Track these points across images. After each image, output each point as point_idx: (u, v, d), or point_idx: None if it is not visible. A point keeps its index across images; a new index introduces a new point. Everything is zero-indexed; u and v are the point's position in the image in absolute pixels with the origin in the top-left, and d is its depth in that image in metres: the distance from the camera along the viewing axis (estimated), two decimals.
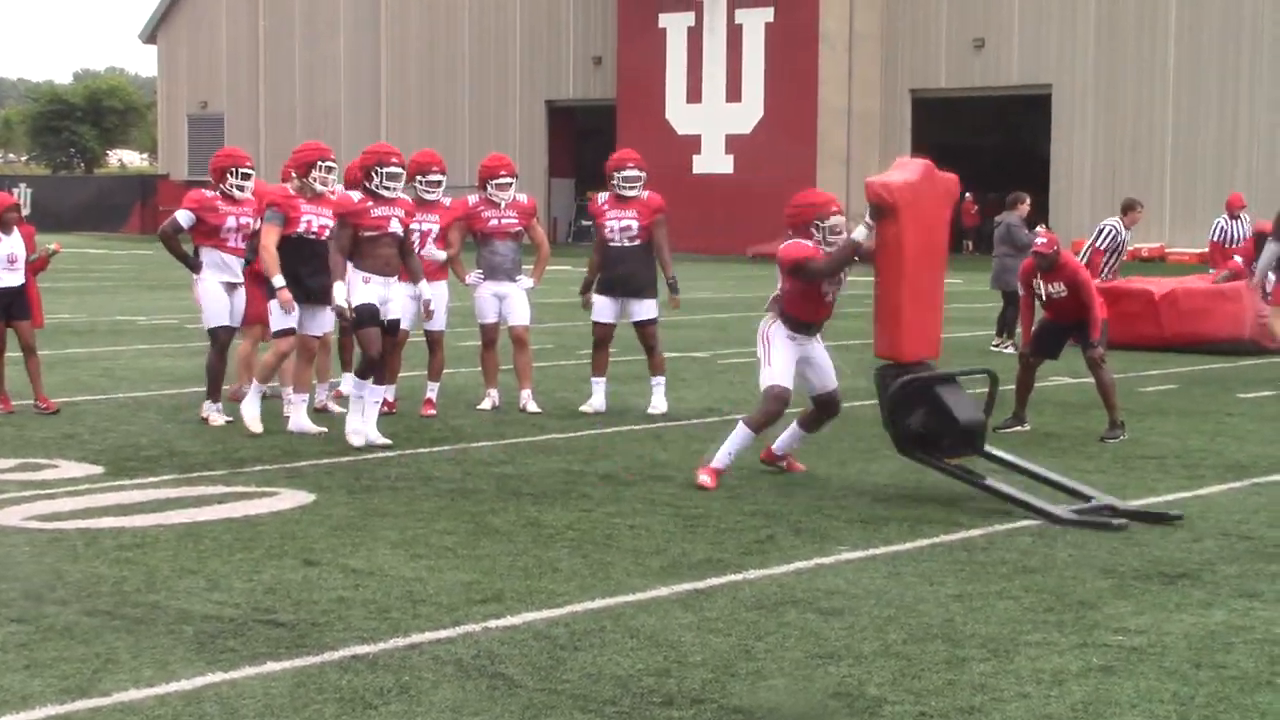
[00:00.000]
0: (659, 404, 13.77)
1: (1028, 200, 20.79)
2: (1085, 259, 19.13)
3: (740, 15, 53.49)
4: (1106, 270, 19.46)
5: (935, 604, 7.39)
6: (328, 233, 12.42)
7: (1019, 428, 12.99)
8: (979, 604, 7.39)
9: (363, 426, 11.81)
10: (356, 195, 12.05)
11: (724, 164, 54.10)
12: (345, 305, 11.90)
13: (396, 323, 12.40)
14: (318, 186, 12.49)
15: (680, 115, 54.93)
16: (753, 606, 7.33)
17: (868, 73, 53.35)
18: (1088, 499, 9.62)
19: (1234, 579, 7.93)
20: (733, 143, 53.97)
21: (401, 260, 12.18)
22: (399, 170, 12.15)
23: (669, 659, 6.48)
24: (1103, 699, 6.01)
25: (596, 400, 13.86)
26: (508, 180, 13.90)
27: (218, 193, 12.94)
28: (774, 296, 10.65)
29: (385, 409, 13.43)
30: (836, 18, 52.63)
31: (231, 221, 12.89)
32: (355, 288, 11.91)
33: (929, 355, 10.28)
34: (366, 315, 11.88)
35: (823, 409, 10.88)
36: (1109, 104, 49.58)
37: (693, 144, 54.45)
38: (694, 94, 54.77)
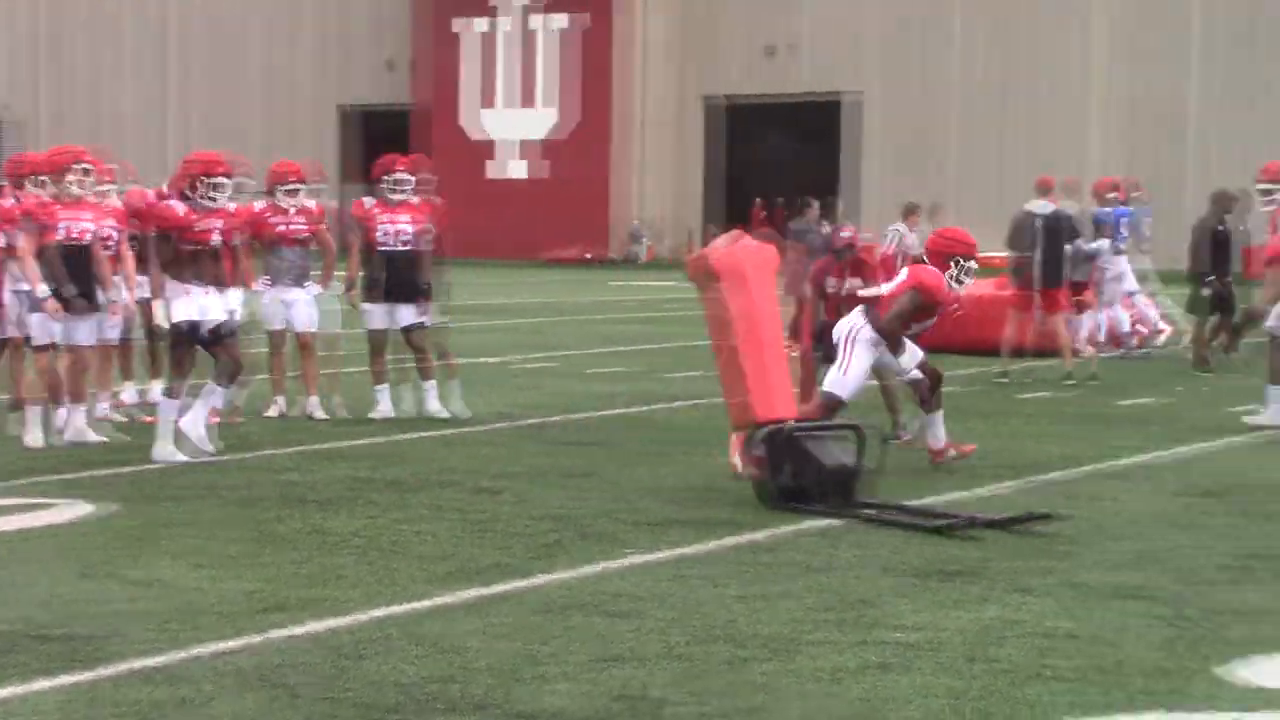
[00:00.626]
0: (435, 407, 13.68)
1: (816, 205, 21.15)
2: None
3: (536, 21, 53.60)
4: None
5: (719, 605, 7.45)
6: (89, 236, 12.07)
7: None
8: (762, 605, 7.47)
9: (170, 448, 11.50)
10: (181, 207, 11.74)
11: (520, 169, 54.16)
12: (164, 321, 11.67)
13: (219, 327, 12.01)
14: (74, 190, 12.10)
15: (476, 120, 54.86)
16: (539, 611, 7.33)
17: (664, 79, 53.79)
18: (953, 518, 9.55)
19: (1007, 575, 8.11)
20: (529, 148, 54.03)
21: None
22: (225, 181, 11.90)
23: (454, 665, 6.45)
24: (880, 695, 6.11)
25: (384, 407, 13.75)
26: (295, 186, 13.77)
27: (14, 202, 12.51)
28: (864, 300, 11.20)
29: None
30: (632, 25, 52.98)
31: None
32: (176, 301, 11.62)
33: (786, 415, 10.22)
34: (185, 333, 11.60)
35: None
36: (900, 110, 50.56)
37: (488, 149, 54.42)
38: (490, 99, 54.74)
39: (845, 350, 11.18)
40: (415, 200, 13.79)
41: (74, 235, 11.99)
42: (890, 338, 11.21)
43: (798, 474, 9.96)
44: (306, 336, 13.77)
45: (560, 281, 39.93)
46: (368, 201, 13.86)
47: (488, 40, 54.56)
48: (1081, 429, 13.70)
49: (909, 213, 20.10)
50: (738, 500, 10.06)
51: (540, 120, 53.87)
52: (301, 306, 13.80)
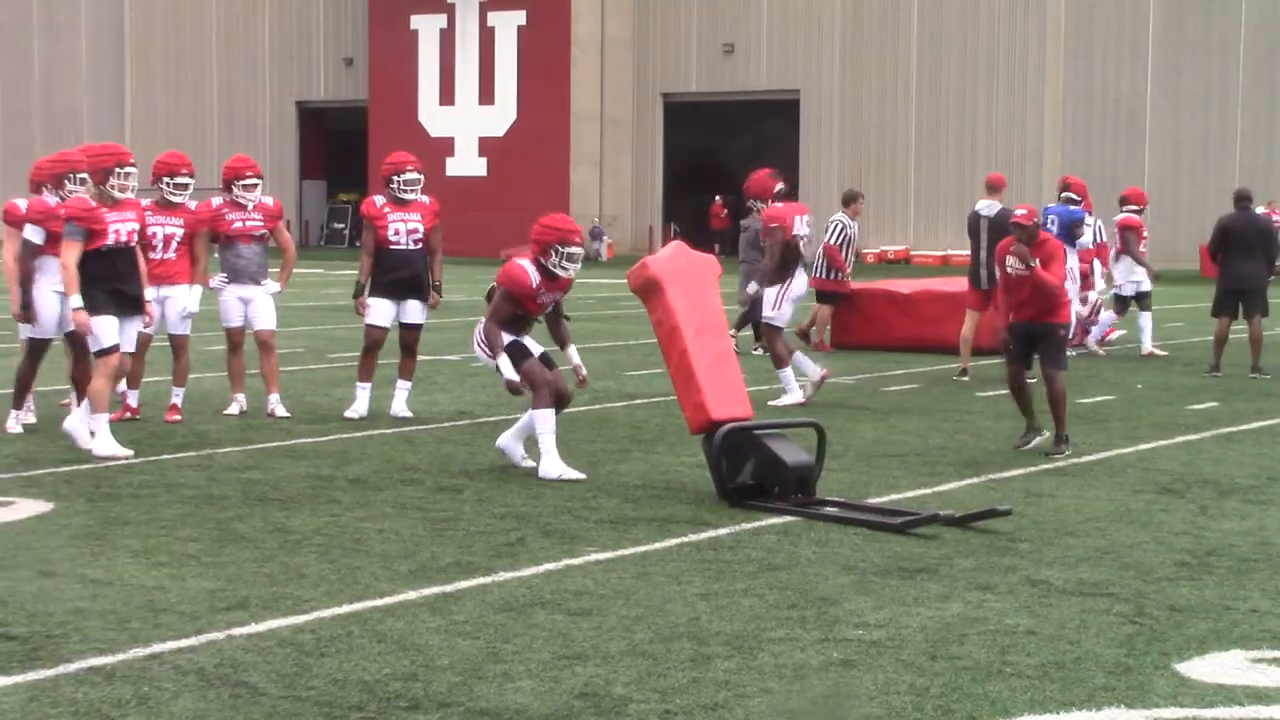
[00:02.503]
0: (403, 408, 13.63)
1: None
2: (823, 256, 19.64)
3: (492, 18, 53.56)
4: (847, 259, 19.88)
5: (682, 603, 7.47)
6: (135, 238, 11.92)
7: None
8: (724, 602, 7.48)
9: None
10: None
11: (477, 167, 54.09)
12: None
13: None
14: (117, 194, 11.80)
15: (433, 117, 54.78)
16: (501, 609, 7.33)
17: (619, 76, 53.84)
18: (914, 515, 9.49)
19: (969, 572, 8.15)
20: (486, 145, 53.96)
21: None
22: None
23: (416, 663, 6.44)
24: (843, 692, 6.13)
25: (360, 405, 13.62)
26: (253, 181, 13.68)
27: (59, 199, 12.34)
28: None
29: (129, 415, 13.14)
30: (588, 22, 53.02)
31: None
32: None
33: (741, 415, 10.24)
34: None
35: None
36: (854, 109, 50.70)
37: (446, 146, 54.32)
38: (446, 96, 54.66)
39: None
40: (425, 199, 13.82)
41: (123, 239, 11.72)
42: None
43: (757, 472, 9.99)
44: (265, 334, 13.70)
45: None
46: (378, 200, 13.78)
47: (445, 37, 54.48)
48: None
49: (849, 201, 20.15)
50: (698, 498, 10.09)
51: (497, 117, 53.83)
52: (259, 304, 13.72)
